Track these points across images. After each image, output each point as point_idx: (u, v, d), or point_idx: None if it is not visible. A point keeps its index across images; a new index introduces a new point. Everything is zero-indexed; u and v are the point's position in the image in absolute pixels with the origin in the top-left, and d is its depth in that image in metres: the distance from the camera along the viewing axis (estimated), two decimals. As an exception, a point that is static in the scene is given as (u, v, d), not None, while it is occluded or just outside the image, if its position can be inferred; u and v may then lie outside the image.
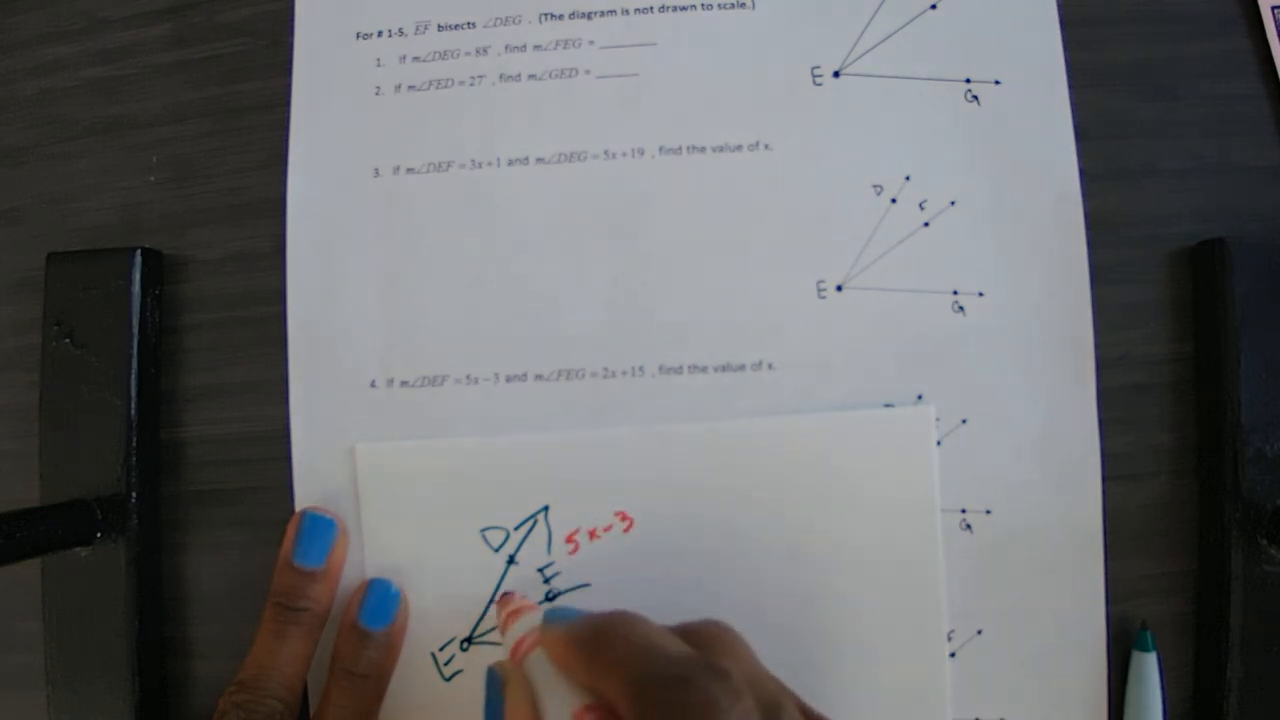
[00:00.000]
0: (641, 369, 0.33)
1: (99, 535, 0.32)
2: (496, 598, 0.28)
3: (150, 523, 0.33)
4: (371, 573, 0.32)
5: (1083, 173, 0.33)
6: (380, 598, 0.31)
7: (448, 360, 0.33)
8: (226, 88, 0.35)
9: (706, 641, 0.24)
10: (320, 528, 0.31)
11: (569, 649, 0.24)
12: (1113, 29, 0.34)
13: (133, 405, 0.33)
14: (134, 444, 0.32)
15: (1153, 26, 0.34)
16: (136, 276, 0.33)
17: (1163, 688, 0.31)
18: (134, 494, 0.32)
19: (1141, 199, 0.33)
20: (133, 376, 0.33)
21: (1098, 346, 0.32)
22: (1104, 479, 0.32)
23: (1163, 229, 0.33)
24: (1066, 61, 0.33)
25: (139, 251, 0.33)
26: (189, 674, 0.34)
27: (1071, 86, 0.33)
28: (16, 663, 0.34)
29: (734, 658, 0.24)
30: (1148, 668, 0.31)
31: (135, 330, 0.33)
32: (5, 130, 0.37)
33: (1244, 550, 0.31)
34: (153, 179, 0.35)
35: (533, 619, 0.27)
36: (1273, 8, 0.34)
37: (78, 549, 0.32)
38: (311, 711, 0.32)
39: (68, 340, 0.33)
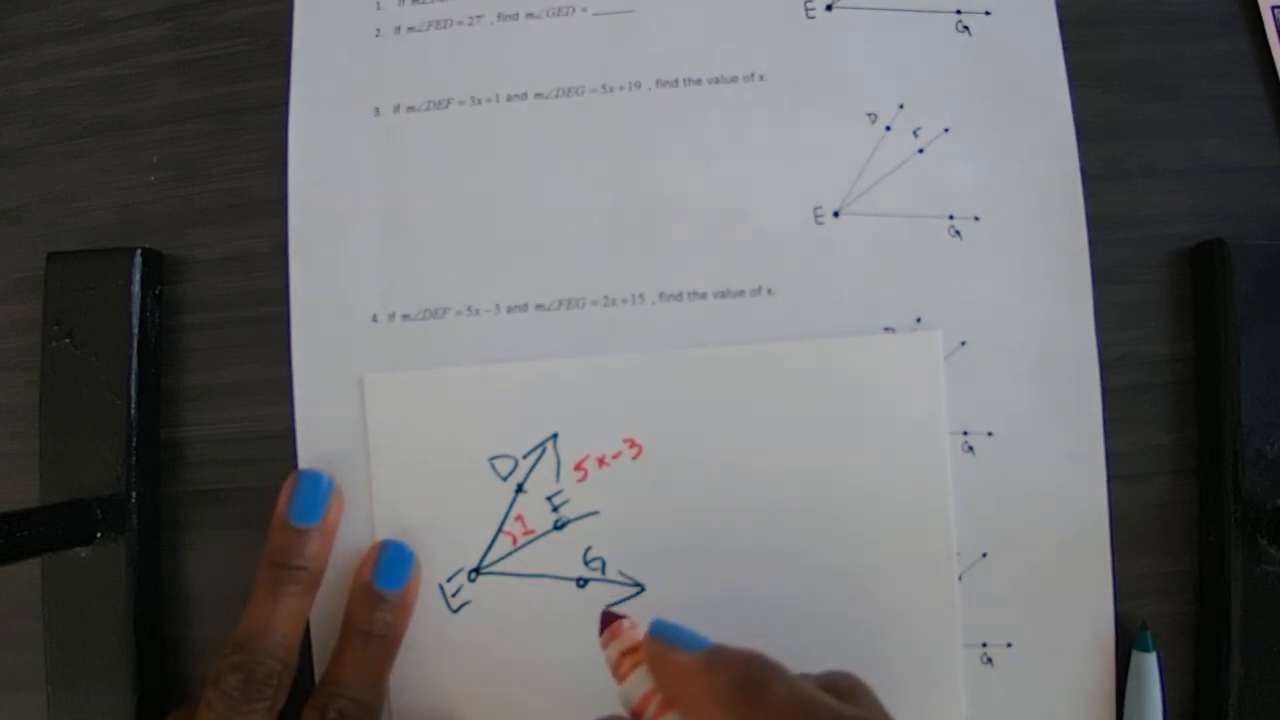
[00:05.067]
0: (641, 296, 0.33)
1: (99, 535, 0.32)
2: (602, 628, 0.27)
3: (150, 523, 0.33)
4: (379, 504, 0.32)
5: (1083, 173, 0.33)
6: (393, 559, 0.31)
7: (448, 292, 0.33)
8: (226, 88, 0.35)
9: (847, 694, 0.24)
10: (315, 486, 0.31)
11: (710, 692, 0.23)
12: (1113, 29, 0.34)
13: (133, 405, 0.33)
14: (134, 444, 0.32)
15: (1153, 26, 0.34)
16: (136, 276, 0.33)
17: (1163, 688, 0.31)
18: (134, 494, 0.32)
19: (1141, 199, 0.33)
20: (133, 376, 0.33)
21: (1098, 347, 0.32)
22: (1107, 450, 0.32)
23: (1163, 229, 0.33)
24: None
25: (139, 251, 0.33)
26: (189, 674, 0.34)
27: (1063, 25, 0.33)
28: (16, 663, 0.34)
29: (881, 715, 0.23)
30: (1148, 668, 0.31)
31: (135, 330, 0.33)
32: (5, 130, 0.37)
33: (1244, 550, 0.31)
34: (153, 179, 0.35)
35: (634, 635, 0.26)
36: (1273, 8, 0.34)
37: (78, 549, 0.32)
38: (322, 673, 0.31)
39: (68, 340, 0.33)
